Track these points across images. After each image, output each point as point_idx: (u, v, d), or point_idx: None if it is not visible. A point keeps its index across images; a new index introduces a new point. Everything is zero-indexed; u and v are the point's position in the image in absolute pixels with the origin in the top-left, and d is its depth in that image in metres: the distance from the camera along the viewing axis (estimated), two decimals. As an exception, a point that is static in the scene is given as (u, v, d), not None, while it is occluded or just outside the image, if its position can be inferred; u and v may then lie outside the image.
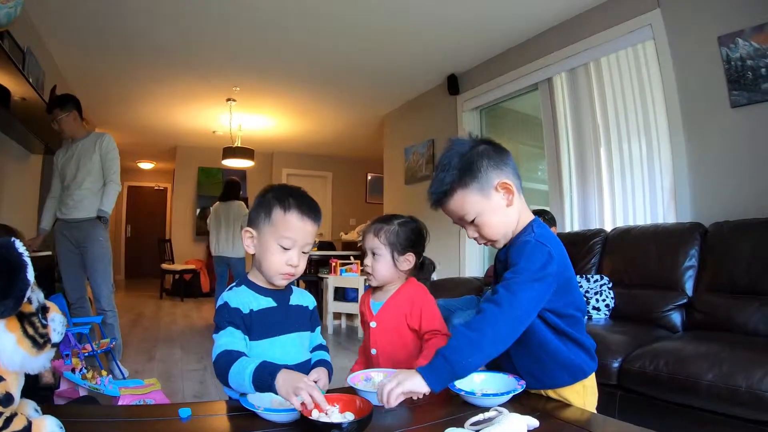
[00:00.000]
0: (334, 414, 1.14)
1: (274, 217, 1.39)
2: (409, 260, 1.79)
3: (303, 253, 1.43)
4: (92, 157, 4.04)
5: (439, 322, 1.76)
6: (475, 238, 1.47)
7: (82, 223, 3.98)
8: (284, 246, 1.39)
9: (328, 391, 1.28)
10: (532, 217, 1.48)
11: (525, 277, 1.29)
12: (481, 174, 1.39)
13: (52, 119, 4.00)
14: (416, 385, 1.20)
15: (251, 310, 1.38)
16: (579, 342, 1.42)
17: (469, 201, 1.40)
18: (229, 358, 1.27)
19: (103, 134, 4.15)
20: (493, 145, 1.46)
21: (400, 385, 1.18)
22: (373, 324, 1.81)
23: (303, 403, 1.11)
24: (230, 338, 1.33)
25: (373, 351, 1.80)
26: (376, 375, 1.50)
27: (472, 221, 1.42)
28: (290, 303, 1.49)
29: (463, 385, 1.31)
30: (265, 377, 1.20)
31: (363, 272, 1.79)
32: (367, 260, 1.81)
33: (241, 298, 1.40)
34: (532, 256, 1.32)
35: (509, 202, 1.42)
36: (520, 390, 1.30)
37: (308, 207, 1.42)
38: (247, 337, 1.36)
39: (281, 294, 1.47)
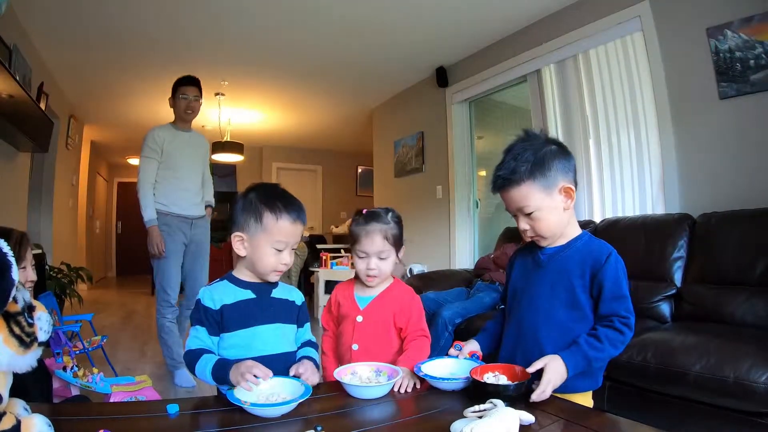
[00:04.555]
0: (501, 379, 1.35)
1: (266, 223, 1.45)
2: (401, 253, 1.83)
3: (292, 249, 1.50)
4: (205, 153, 4.13)
5: (424, 323, 1.80)
6: (524, 230, 1.51)
7: (201, 220, 3.97)
8: (278, 248, 1.46)
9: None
10: (576, 224, 1.56)
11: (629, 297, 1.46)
12: (551, 173, 1.45)
13: (182, 95, 3.87)
14: (563, 378, 1.35)
15: (223, 305, 1.43)
16: None
17: (533, 195, 1.45)
18: (191, 357, 1.38)
19: (199, 133, 4.20)
20: (562, 148, 1.51)
21: (553, 385, 1.33)
22: (359, 318, 1.79)
23: (474, 368, 1.37)
24: (194, 338, 1.42)
25: (355, 346, 1.77)
26: (361, 369, 1.51)
27: (529, 214, 1.47)
28: (272, 295, 1.52)
29: (427, 370, 1.47)
30: (221, 373, 1.30)
31: (370, 275, 1.77)
32: (372, 263, 1.76)
33: (217, 293, 1.45)
34: (624, 271, 1.48)
35: (567, 206, 1.48)
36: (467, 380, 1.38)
37: (296, 210, 1.49)
38: (215, 331, 1.43)
39: (262, 287, 1.51)
